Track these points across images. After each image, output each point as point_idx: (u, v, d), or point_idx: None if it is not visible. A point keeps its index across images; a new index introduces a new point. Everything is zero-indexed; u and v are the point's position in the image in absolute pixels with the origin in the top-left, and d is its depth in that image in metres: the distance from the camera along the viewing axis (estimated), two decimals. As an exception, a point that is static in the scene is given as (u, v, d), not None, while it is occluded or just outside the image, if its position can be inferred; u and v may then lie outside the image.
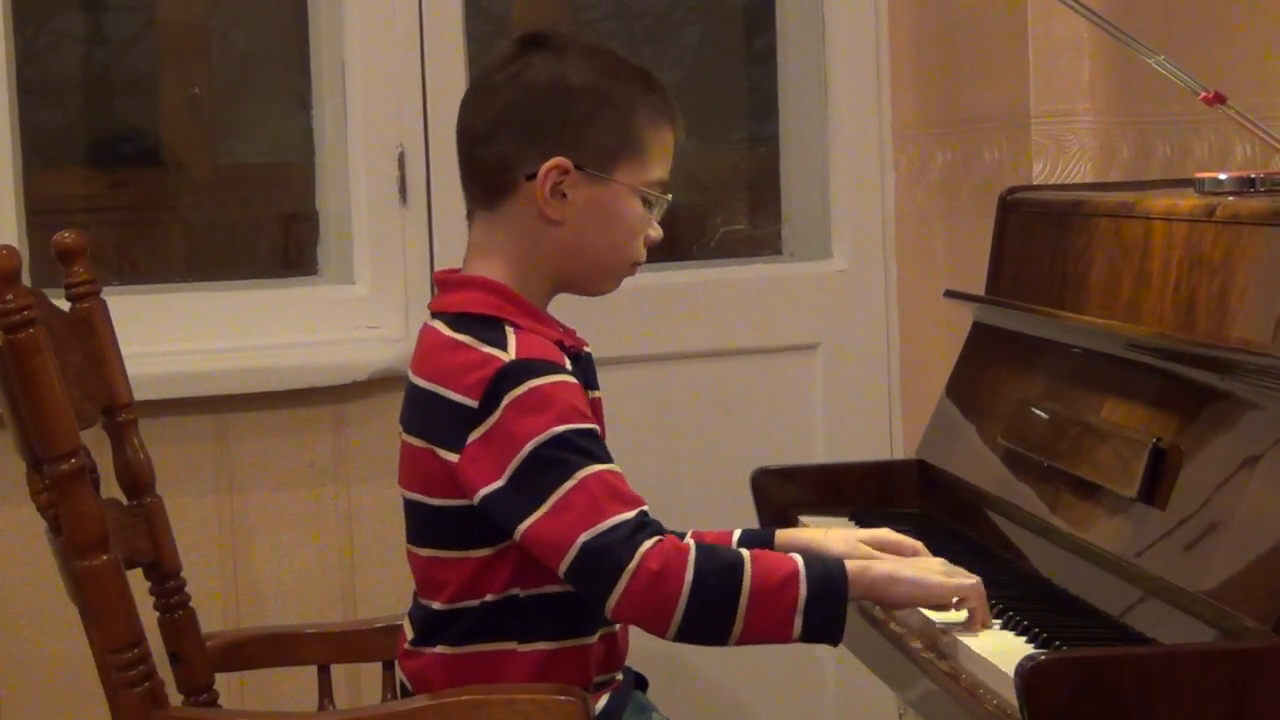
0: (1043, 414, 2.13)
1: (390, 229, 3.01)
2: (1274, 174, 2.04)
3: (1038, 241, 2.36)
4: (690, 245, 3.43)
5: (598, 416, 1.92)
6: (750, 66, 3.59)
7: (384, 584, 2.93)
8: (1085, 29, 2.77)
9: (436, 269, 2.55)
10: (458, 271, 1.97)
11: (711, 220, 3.48)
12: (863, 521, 2.31)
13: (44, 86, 3.16)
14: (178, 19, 3.44)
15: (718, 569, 1.79)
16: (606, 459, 1.83)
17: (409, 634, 1.97)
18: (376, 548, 2.94)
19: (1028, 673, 1.54)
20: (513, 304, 1.91)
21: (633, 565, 1.77)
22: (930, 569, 1.88)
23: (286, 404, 2.92)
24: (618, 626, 1.96)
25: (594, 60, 1.93)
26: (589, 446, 1.82)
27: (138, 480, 2.12)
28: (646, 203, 1.94)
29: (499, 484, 1.82)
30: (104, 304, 2.11)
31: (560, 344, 1.91)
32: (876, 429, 3.26)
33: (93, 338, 2.08)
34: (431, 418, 1.87)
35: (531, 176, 1.90)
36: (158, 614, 2.13)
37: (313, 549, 2.95)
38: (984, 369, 2.40)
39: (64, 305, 2.08)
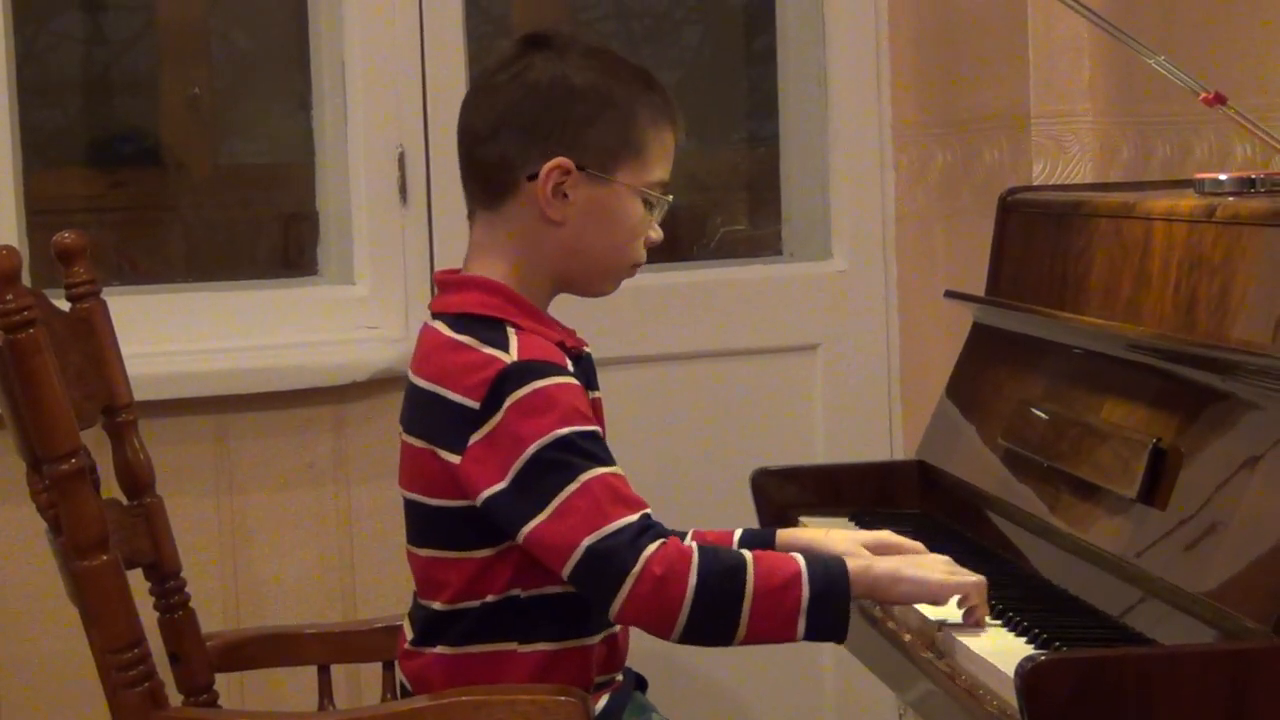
0: (1043, 414, 2.13)
1: (390, 229, 3.01)
2: (1274, 174, 2.04)
3: (1038, 242, 2.36)
4: (690, 246, 3.43)
5: (598, 417, 1.92)
6: (750, 66, 3.59)
7: (384, 584, 2.93)
8: (1085, 29, 2.77)
9: (437, 269, 2.55)
10: (458, 272, 1.97)
11: (711, 220, 3.48)
12: (863, 522, 2.31)
13: (44, 86, 3.16)
14: (178, 19, 3.44)
15: (721, 572, 1.79)
16: (609, 461, 1.84)
17: (409, 634, 1.97)
18: (376, 548, 2.94)
19: (1028, 673, 1.54)
20: (514, 305, 1.90)
21: (637, 569, 1.77)
22: (933, 568, 1.88)
23: (287, 404, 2.92)
24: (618, 627, 1.96)
25: (595, 61, 1.93)
26: (592, 449, 1.82)
27: (138, 480, 2.12)
28: (647, 203, 1.94)
29: (501, 485, 1.82)
30: (104, 304, 2.10)
31: (561, 344, 1.91)
32: (876, 429, 3.26)
33: (93, 338, 2.08)
34: (432, 418, 1.87)
35: (533, 177, 1.90)
36: (158, 614, 2.13)
37: (313, 549, 2.95)
38: (984, 369, 2.40)
39: (64, 305, 2.08)
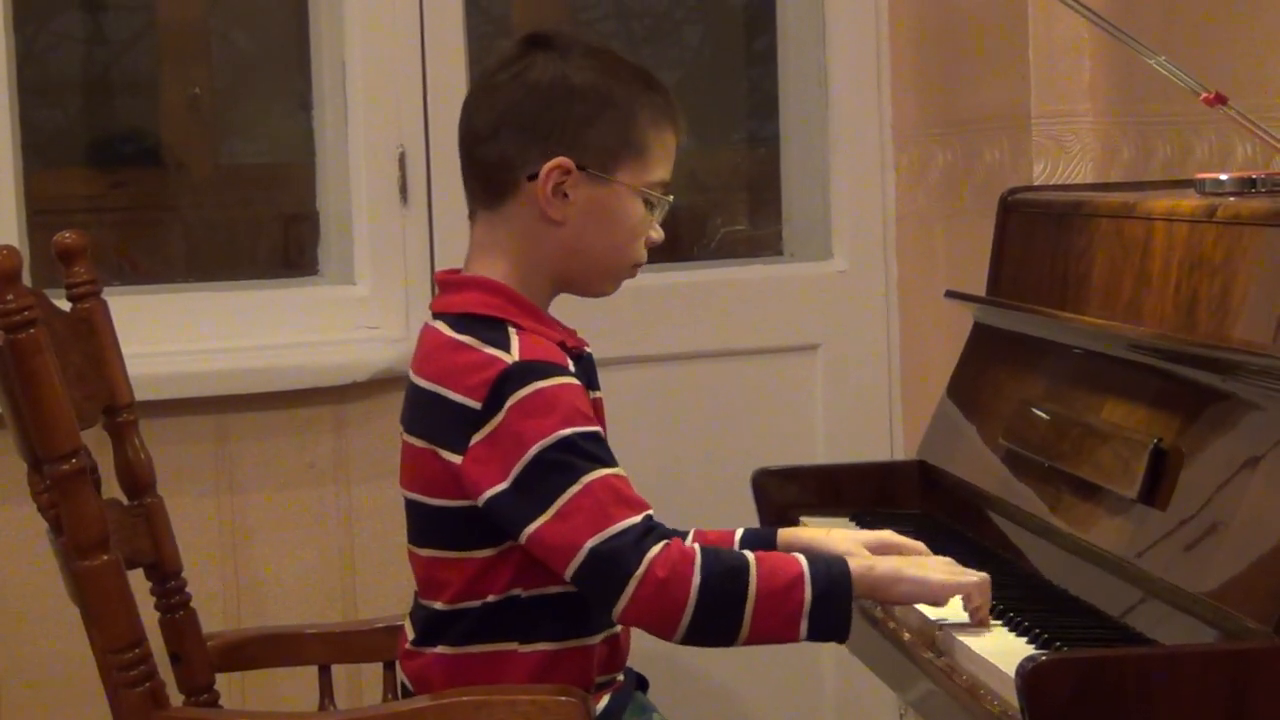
0: (1043, 415, 2.13)
1: (391, 229, 3.01)
2: (1275, 174, 2.04)
3: (1038, 242, 2.36)
4: (691, 246, 3.43)
5: (599, 417, 1.92)
6: (750, 67, 3.59)
7: (384, 584, 2.93)
8: (1086, 29, 2.77)
9: (437, 269, 2.55)
10: (459, 272, 1.97)
11: (712, 221, 3.48)
12: (863, 522, 2.31)
13: (44, 86, 3.16)
14: (178, 19, 3.44)
15: (724, 573, 1.79)
16: (611, 462, 1.84)
17: (410, 634, 1.97)
18: (377, 548, 2.94)
19: (1029, 673, 1.54)
20: (515, 305, 1.90)
21: (640, 571, 1.77)
22: (934, 568, 1.88)
23: (287, 404, 2.92)
24: (619, 627, 1.96)
25: (596, 61, 1.93)
26: (594, 450, 1.82)
27: (138, 480, 2.12)
28: (648, 204, 1.94)
29: (503, 486, 1.82)
30: (105, 304, 2.10)
31: (562, 344, 1.91)
32: (877, 429, 3.26)
33: (93, 338, 2.08)
34: (433, 418, 1.87)
35: (533, 176, 1.90)
36: (158, 614, 2.13)
37: (313, 549, 2.95)
38: (985, 369, 2.40)
39: (65, 305, 2.08)
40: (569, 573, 1.81)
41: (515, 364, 1.84)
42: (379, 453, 2.90)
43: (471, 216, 1.98)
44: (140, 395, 2.16)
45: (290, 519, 2.94)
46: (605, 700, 1.95)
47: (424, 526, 1.93)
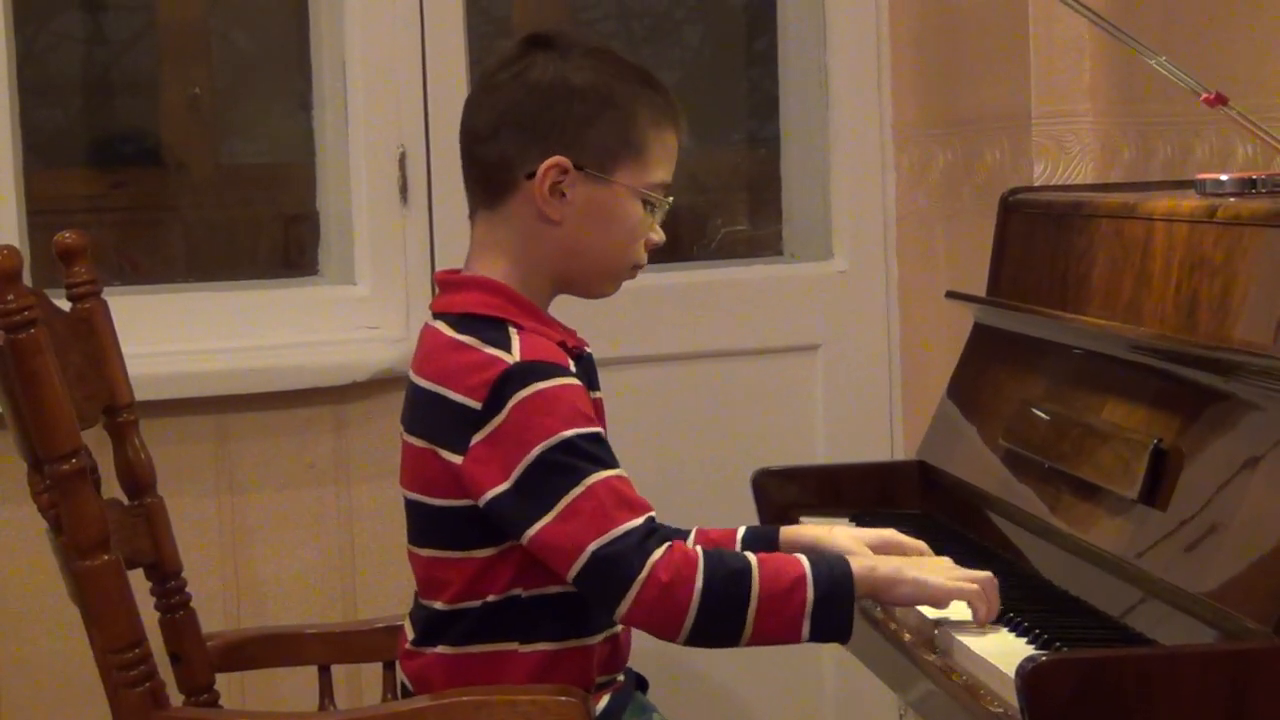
0: (1044, 415, 2.13)
1: (391, 229, 3.01)
2: (1275, 175, 2.04)
3: (1039, 242, 2.36)
4: (691, 246, 3.43)
5: (600, 417, 1.92)
6: (751, 67, 3.59)
7: (385, 584, 2.93)
8: (1086, 30, 2.77)
9: (437, 269, 2.55)
10: (459, 272, 1.97)
11: (712, 221, 3.48)
12: (863, 523, 2.31)
13: (45, 87, 3.16)
14: (178, 19, 3.44)
15: (726, 576, 1.79)
16: (613, 463, 1.84)
17: (410, 634, 1.97)
18: (377, 548, 2.94)
19: (1029, 674, 1.54)
20: (515, 304, 1.90)
21: (643, 575, 1.78)
22: (936, 569, 1.88)
23: (287, 404, 2.92)
24: (620, 627, 1.96)
25: (597, 61, 1.93)
26: (595, 451, 1.82)
27: (139, 480, 2.12)
28: (647, 205, 1.94)
29: (504, 486, 1.82)
30: (105, 304, 2.11)
31: (562, 344, 1.91)
32: (877, 430, 3.26)
33: (94, 338, 2.08)
34: (434, 418, 1.87)
35: (531, 175, 1.90)
36: (159, 614, 2.13)
37: (313, 549, 2.95)
38: (985, 370, 2.40)
39: (65, 305, 2.08)
40: (571, 574, 1.81)
41: (516, 364, 1.84)
42: (379, 453, 2.90)
43: (472, 216, 1.98)
44: (140, 395, 2.16)
45: (290, 519, 2.94)
46: (605, 700, 1.95)
47: (424, 526, 1.93)
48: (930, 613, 1.89)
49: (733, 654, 1.93)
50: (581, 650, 1.92)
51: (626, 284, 2.00)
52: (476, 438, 1.83)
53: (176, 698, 2.08)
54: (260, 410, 2.91)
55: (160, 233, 3.37)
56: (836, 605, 1.81)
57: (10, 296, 1.85)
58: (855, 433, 3.24)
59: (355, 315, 3.01)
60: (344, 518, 2.96)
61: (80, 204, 3.27)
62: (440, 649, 1.92)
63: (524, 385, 1.82)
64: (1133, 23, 2.45)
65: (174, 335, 2.91)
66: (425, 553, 1.93)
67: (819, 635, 1.81)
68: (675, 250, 3.27)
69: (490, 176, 1.93)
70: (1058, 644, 1.75)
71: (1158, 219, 2.05)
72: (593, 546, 1.79)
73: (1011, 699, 1.59)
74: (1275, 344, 1.78)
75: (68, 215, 3.16)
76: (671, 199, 1.96)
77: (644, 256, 1.97)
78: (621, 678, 2.00)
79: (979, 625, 1.84)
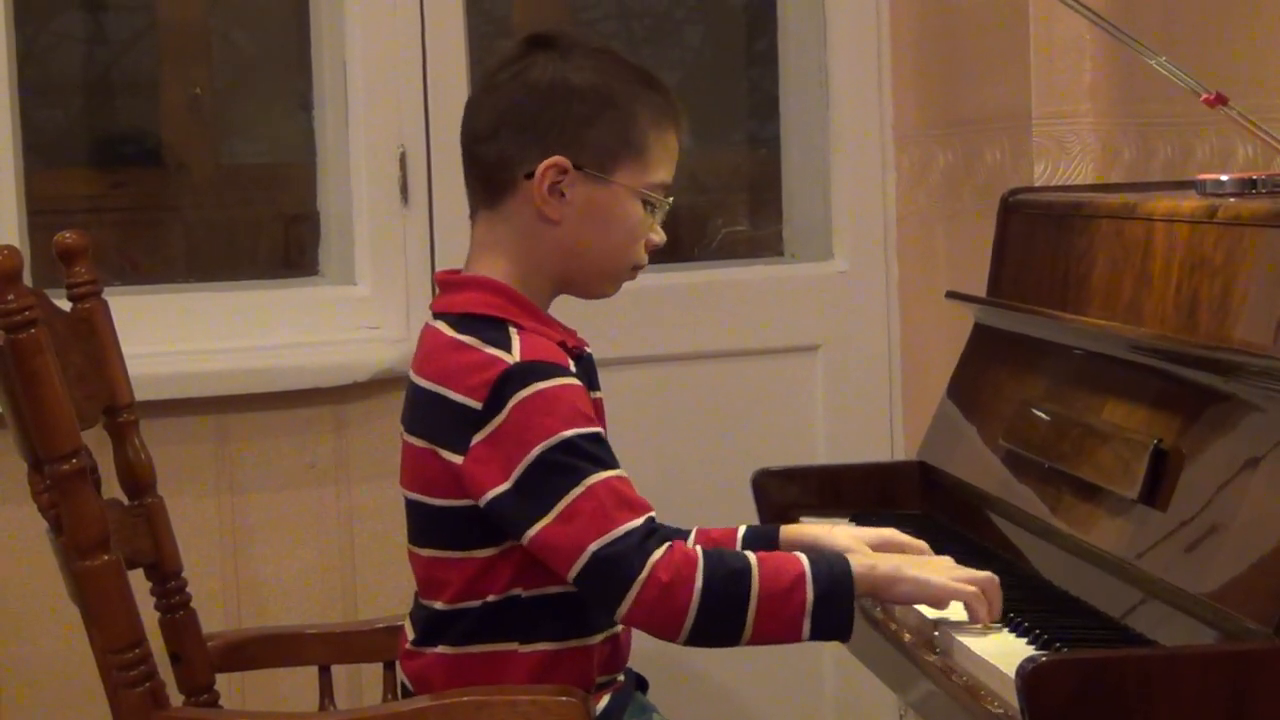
0: (1044, 415, 2.13)
1: (391, 229, 3.01)
2: (1275, 175, 2.04)
3: (1039, 243, 2.36)
4: (691, 246, 3.43)
5: (600, 418, 1.92)
6: (751, 67, 3.59)
7: (385, 584, 2.93)
8: (1087, 30, 2.77)
9: (438, 269, 2.55)
10: (459, 272, 1.97)
11: (713, 221, 3.48)
12: (864, 523, 2.31)
13: (45, 87, 3.16)
14: (178, 19, 3.44)
15: (726, 576, 1.80)
16: (613, 464, 1.84)
17: (410, 634, 1.97)
18: (377, 548, 2.94)
19: (1029, 674, 1.54)
20: (516, 305, 1.90)
21: (643, 575, 1.78)
22: (936, 569, 1.88)
23: (287, 404, 2.92)
24: (620, 627, 1.96)
25: (597, 61, 1.93)
26: (595, 451, 1.82)
27: (139, 480, 2.12)
28: (648, 205, 1.94)
29: (505, 487, 1.82)
30: (105, 304, 2.11)
31: (562, 345, 1.91)
32: (877, 430, 3.26)
33: (94, 338, 2.08)
34: (434, 418, 1.87)
35: (531, 175, 1.90)
36: (159, 614, 2.13)
37: (314, 549, 2.95)
38: (985, 370, 2.40)
39: (65, 305, 2.08)
40: (571, 575, 1.81)
41: (516, 364, 1.84)
42: (379, 453, 2.90)
43: (473, 216, 1.98)
44: (141, 395, 2.16)
45: (290, 519, 2.94)
46: (605, 700, 1.95)
47: (424, 526, 1.93)
48: (930, 613, 1.89)
49: (733, 654, 1.94)
50: (582, 650, 1.92)
51: (627, 284, 2.00)
52: (477, 438, 1.83)
53: (176, 698, 2.08)
54: (260, 410, 2.91)
55: (160, 233, 3.37)
56: (836, 604, 1.81)
57: (10, 296, 1.85)
58: (855, 433, 3.24)
59: (355, 315, 3.01)
60: (344, 518, 2.96)
61: (80, 204, 3.27)
62: (440, 649, 1.92)
63: (524, 385, 1.82)
64: (1133, 23, 2.45)
65: (174, 335, 2.91)
66: (425, 553, 1.93)
67: (819, 634, 1.81)
68: (675, 250, 3.27)
69: (490, 176, 1.93)
70: (1058, 644, 1.75)
71: (1158, 219, 2.05)
72: (593, 547, 1.79)
73: (1012, 699, 1.59)
74: (1275, 344, 1.78)
75: (68, 215, 3.16)
76: (671, 199, 1.96)
77: (644, 257, 1.97)
78: (622, 678, 2.00)
79: (979, 625, 1.84)
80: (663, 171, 1.94)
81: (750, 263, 3.34)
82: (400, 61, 3.00)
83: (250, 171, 3.45)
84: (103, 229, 3.21)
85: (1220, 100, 2.18)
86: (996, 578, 1.86)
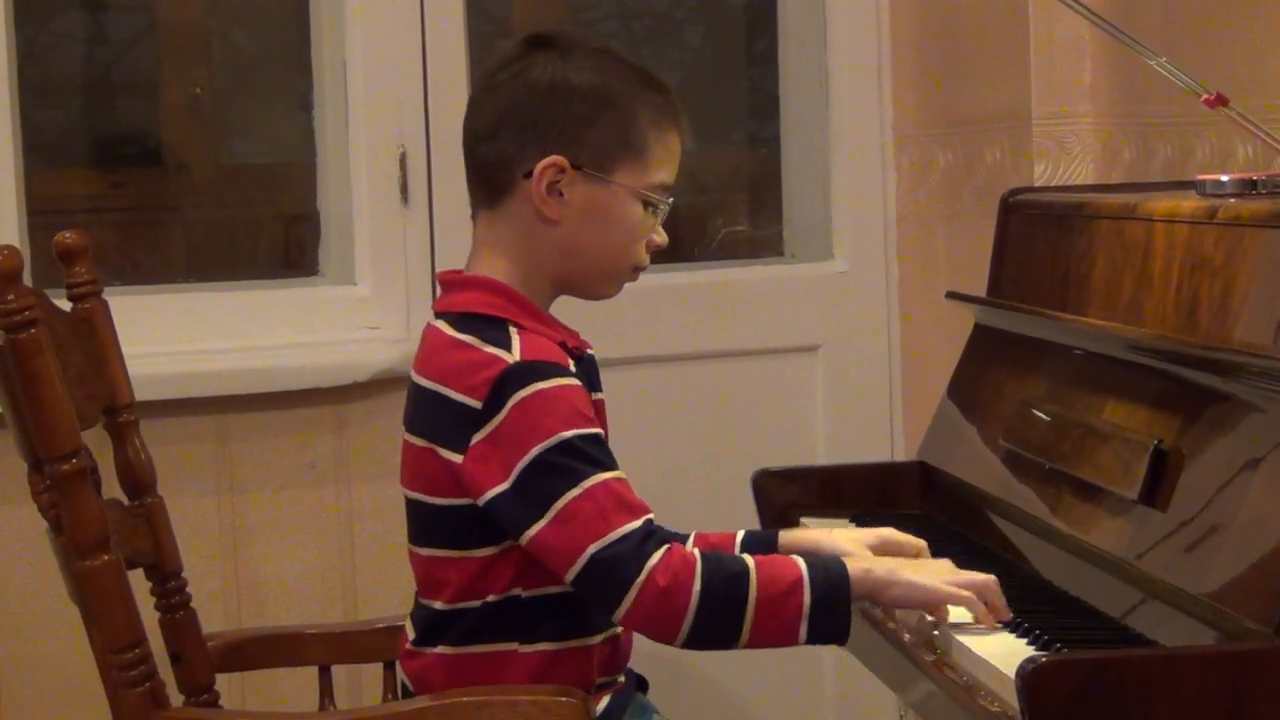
0: (1044, 416, 2.13)
1: (392, 230, 3.01)
2: (1276, 176, 2.04)
3: (1039, 243, 2.36)
4: (691, 246, 3.43)
5: (600, 418, 1.92)
6: (751, 67, 3.59)
7: (385, 584, 2.93)
8: (1087, 30, 2.77)
9: (439, 269, 2.55)
10: (460, 272, 1.97)
11: (713, 221, 3.48)
12: (864, 523, 2.31)
13: (45, 87, 3.16)
14: (178, 19, 3.44)
15: (724, 579, 1.79)
16: (612, 465, 1.83)
17: (410, 634, 1.97)
18: (377, 548, 2.94)
19: (1029, 674, 1.54)
20: (516, 304, 1.90)
21: (641, 578, 1.78)
22: (933, 572, 1.88)
23: (288, 404, 2.92)
24: (620, 628, 1.96)
25: (597, 61, 1.93)
26: (594, 453, 1.82)
27: (139, 480, 2.12)
28: (648, 205, 1.94)
29: (504, 487, 1.82)
30: (105, 304, 2.10)
31: (563, 345, 1.91)
32: (877, 430, 3.26)
33: (94, 338, 2.08)
34: (434, 417, 1.87)
35: (529, 175, 1.90)
36: (159, 614, 2.13)
37: (314, 549, 2.95)
38: (985, 370, 2.40)
39: (65, 305, 2.08)
40: (569, 577, 1.81)
41: (516, 364, 1.84)
42: (379, 453, 2.90)
43: (474, 216, 1.98)
44: (141, 395, 2.16)
45: (290, 519, 2.94)
46: (606, 701, 1.95)
47: (424, 525, 1.93)
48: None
49: (734, 655, 1.93)
50: (582, 651, 1.92)
51: (627, 285, 2.00)
52: (476, 437, 1.83)
53: (176, 698, 2.08)
54: (261, 410, 2.91)
55: (161, 233, 3.37)
56: (833, 608, 1.81)
57: (10, 296, 1.85)
58: (855, 433, 3.24)
59: (355, 315, 3.01)
60: (344, 518, 2.96)
61: (80, 204, 3.27)
62: (440, 649, 1.92)
63: (523, 385, 1.82)
64: (1133, 23, 2.45)
65: (174, 335, 2.91)
66: (425, 552, 1.93)
67: (816, 638, 1.81)
68: (676, 251, 3.27)
69: (490, 176, 1.93)
70: (1058, 645, 1.75)
71: (1158, 220, 2.05)
72: (591, 549, 1.79)
73: (1012, 700, 1.59)
74: (1275, 345, 1.78)
75: (68, 215, 3.16)
76: (671, 200, 1.96)
77: (645, 258, 1.97)
78: (622, 678, 2.00)
79: (982, 626, 1.84)
80: (663, 172, 1.94)
81: (750, 263, 3.35)
82: (400, 61, 3.00)
83: (250, 171, 3.45)
84: (103, 229, 3.21)
85: (1220, 100, 2.18)
86: (994, 580, 1.86)
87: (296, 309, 3.00)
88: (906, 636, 1.92)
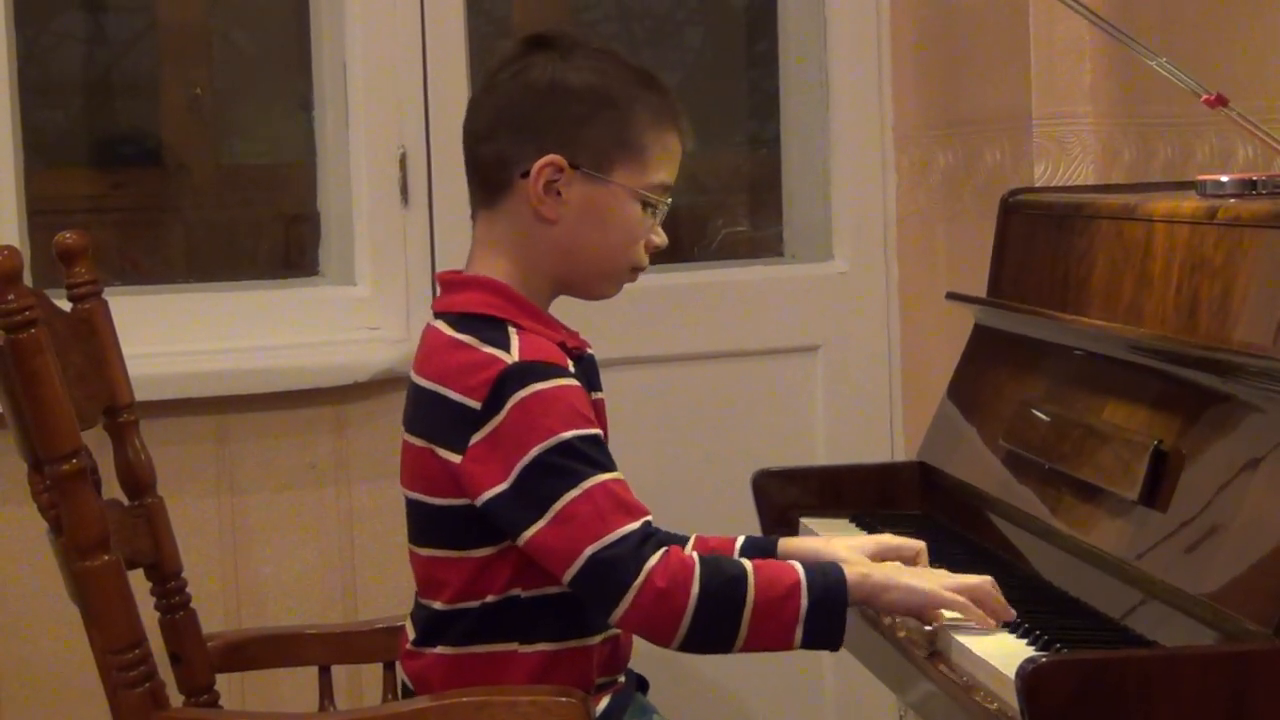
0: (1044, 416, 2.13)
1: (391, 230, 3.01)
2: (1275, 176, 2.04)
3: (1039, 243, 2.36)
4: (692, 247, 3.43)
5: (600, 418, 1.92)
6: (751, 68, 3.59)
7: (385, 584, 2.93)
8: (1087, 31, 2.77)
9: (438, 270, 2.55)
10: (460, 272, 1.97)
11: (713, 222, 3.48)
12: (864, 524, 2.31)
13: (45, 87, 3.16)
14: (179, 20, 3.44)
15: (722, 582, 1.79)
16: (611, 466, 1.83)
17: (410, 634, 1.97)
18: (377, 548, 2.94)
19: (1029, 675, 1.54)
20: (515, 304, 1.90)
21: (639, 580, 1.77)
22: (929, 577, 1.88)
23: (288, 405, 2.92)
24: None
25: (596, 62, 1.93)
26: (593, 453, 1.82)
27: (139, 481, 2.12)
28: (646, 206, 1.93)
29: (502, 487, 1.82)
30: (105, 304, 2.10)
31: (563, 345, 1.91)
32: (877, 431, 3.26)
33: (94, 338, 2.08)
34: (433, 418, 1.87)
35: (527, 174, 1.90)
36: (159, 614, 2.13)
37: (314, 550, 2.95)
38: (985, 371, 2.40)
39: (65, 306, 2.08)
40: (567, 578, 1.81)
41: (515, 364, 1.84)
42: (379, 453, 2.90)
43: (474, 216, 1.98)
44: (141, 395, 2.16)
45: (290, 519, 2.94)
46: (605, 701, 1.95)
47: (424, 526, 1.93)
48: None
49: (733, 656, 1.93)
50: (582, 651, 1.92)
51: (627, 285, 2.00)
52: (475, 437, 1.83)
53: (176, 698, 2.08)
54: (261, 411, 2.91)
55: (161, 233, 3.37)
56: (830, 613, 1.81)
57: (10, 296, 1.85)
58: (855, 433, 3.24)
59: (355, 316, 3.01)
60: (344, 518, 2.96)
61: (80, 204, 3.27)
62: (440, 649, 1.92)
63: (523, 385, 1.82)
64: (1133, 23, 2.45)
65: (174, 335, 2.91)
66: (425, 552, 1.93)
67: (811, 642, 1.81)
68: (675, 251, 3.27)
69: (489, 176, 1.93)
70: (1058, 645, 1.75)
71: (1158, 220, 2.06)
72: (589, 551, 1.79)
73: (1011, 700, 1.59)
74: (1275, 345, 1.78)
75: (68, 215, 3.16)
76: (670, 200, 1.96)
77: (644, 258, 1.96)
78: (622, 679, 2.00)
79: (984, 627, 1.84)
80: (663, 172, 1.94)
81: (750, 263, 3.34)
82: (400, 61, 3.00)
83: (250, 172, 3.45)
84: (103, 229, 3.21)
85: (1220, 101, 2.18)
86: (990, 581, 1.86)
87: (296, 309, 3.00)
88: (906, 636, 1.92)
